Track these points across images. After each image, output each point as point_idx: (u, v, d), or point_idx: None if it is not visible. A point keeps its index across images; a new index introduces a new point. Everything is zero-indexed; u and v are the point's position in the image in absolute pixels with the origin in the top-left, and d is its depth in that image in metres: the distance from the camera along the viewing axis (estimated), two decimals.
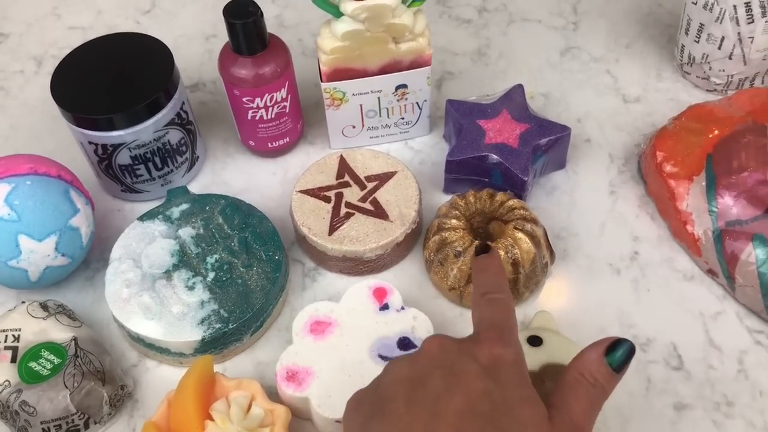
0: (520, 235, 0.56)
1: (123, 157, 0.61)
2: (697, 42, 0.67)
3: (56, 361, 0.52)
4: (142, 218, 0.60)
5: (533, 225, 0.57)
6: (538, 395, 0.38)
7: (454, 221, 0.58)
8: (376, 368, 0.51)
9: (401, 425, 0.35)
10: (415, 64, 0.62)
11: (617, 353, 0.39)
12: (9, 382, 0.51)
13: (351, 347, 0.52)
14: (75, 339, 0.53)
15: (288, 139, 0.66)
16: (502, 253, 0.55)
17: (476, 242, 0.42)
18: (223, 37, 0.71)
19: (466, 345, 0.38)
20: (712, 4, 0.64)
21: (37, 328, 0.53)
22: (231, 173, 0.68)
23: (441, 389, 0.36)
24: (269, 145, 0.66)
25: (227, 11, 0.58)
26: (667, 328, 0.56)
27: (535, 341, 0.53)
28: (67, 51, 0.63)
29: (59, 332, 0.54)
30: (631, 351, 0.39)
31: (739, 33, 0.64)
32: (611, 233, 0.62)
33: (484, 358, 0.37)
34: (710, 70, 0.68)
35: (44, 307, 0.55)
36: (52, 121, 0.72)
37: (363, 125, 0.66)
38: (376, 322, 0.53)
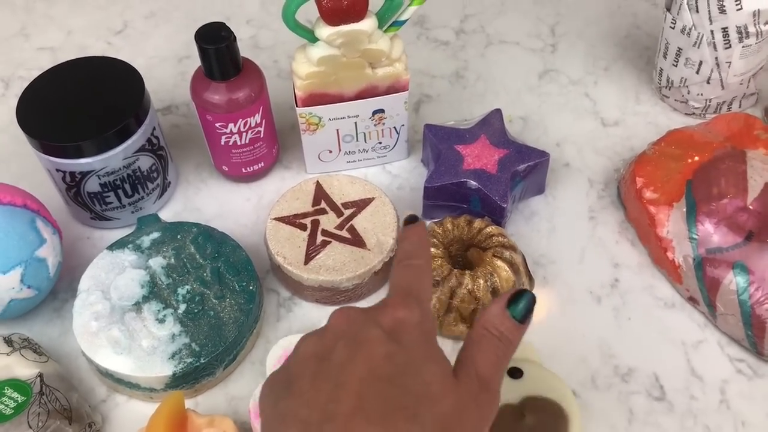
0: (499, 263, 0.55)
1: (92, 185, 0.59)
2: (675, 66, 0.67)
3: (20, 399, 0.50)
4: (111, 247, 0.58)
5: (512, 252, 0.56)
6: (443, 353, 0.38)
7: (432, 249, 0.56)
8: None
9: (306, 400, 0.35)
10: (393, 89, 0.61)
11: (519, 305, 0.39)
12: None
13: None
14: (41, 375, 0.51)
15: (263, 164, 0.65)
16: (481, 281, 0.54)
17: (406, 217, 0.42)
18: (196, 59, 0.69)
19: (371, 312, 0.38)
20: (690, 29, 0.63)
21: (1, 364, 0.51)
22: (204, 199, 0.66)
23: (344, 359, 0.36)
24: (243, 170, 0.65)
25: (199, 36, 0.56)
26: (648, 357, 0.55)
27: (515, 373, 0.52)
28: (36, 72, 0.61)
29: (24, 368, 0.52)
30: (532, 301, 0.39)
31: (716, 58, 0.64)
32: (591, 260, 0.61)
33: (387, 322, 0.37)
34: (688, 93, 0.68)
35: (8, 341, 0.53)
36: (19, 146, 0.69)
37: (340, 150, 0.65)
38: None
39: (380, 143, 0.66)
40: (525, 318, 0.39)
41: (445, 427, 0.34)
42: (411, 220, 0.43)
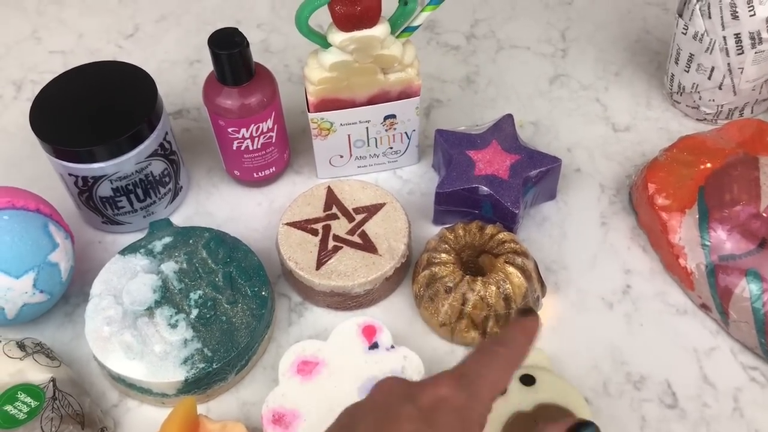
0: (511, 269, 0.55)
1: (104, 189, 0.59)
2: (687, 72, 0.67)
3: (33, 404, 0.50)
4: (123, 252, 0.58)
5: (524, 258, 0.56)
6: None
7: (444, 255, 0.56)
8: None
9: None
10: (404, 94, 0.61)
11: None
12: None
13: (339, 388, 0.51)
14: (53, 380, 0.51)
15: (274, 169, 0.65)
16: (493, 288, 0.54)
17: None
18: (207, 63, 0.69)
19: (414, 387, 0.36)
20: (702, 35, 0.63)
21: (14, 369, 0.51)
22: (215, 204, 0.66)
23: (369, 430, 0.34)
24: (255, 175, 0.65)
25: (212, 41, 0.56)
26: (660, 364, 0.55)
27: (528, 380, 0.52)
28: (47, 75, 0.61)
29: (37, 373, 0.52)
30: None
31: (729, 64, 0.64)
32: (603, 266, 0.61)
33: (426, 400, 0.35)
34: (700, 99, 0.68)
35: (21, 346, 0.53)
36: (31, 149, 0.70)
37: (351, 155, 0.65)
38: (365, 361, 0.52)
39: (391, 148, 0.66)
40: None
41: None
42: (525, 313, 0.39)
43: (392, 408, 0.35)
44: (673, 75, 0.69)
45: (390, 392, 0.36)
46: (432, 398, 0.35)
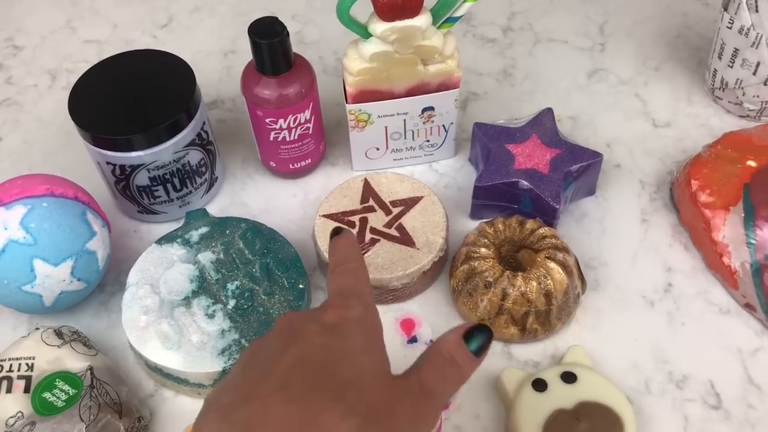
0: (552, 264, 0.54)
1: (141, 178, 0.59)
2: (731, 67, 0.66)
3: (71, 391, 0.50)
4: (160, 241, 0.58)
5: (565, 254, 0.55)
6: (385, 351, 0.37)
7: (483, 250, 0.56)
8: None
9: (230, 386, 0.35)
10: (443, 86, 0.60)
11: (475, 340, 0.39)
12: (22, 413, 0.49)
13: None
14: (91, 368, 0.51)
15: (310, 161, 0.65)
16: (534, 283, 0.53)
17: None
18: (242, 53, 0.69)
19: (312, 312, 0.38)
20: (749, 29, 0.62)
21: (52, 357, 0.51)
22: (250, 194, 0.66)
23: (277, 349, 0.36)
24: (290, 166, 0.64)
25: (252, 30, 0.56)
26: (703, 364, 0.54)
27: (569, 378, 0.51)
28: (82, 65, 0.61)
29: (74, 361, 0.52)
30: (488, 338, 0.39)
31: None
32: (643, 263, 0.60)
33: (329, 318, 0.37)
34: (744, 95, 0.67)
35: (59, 334, 0.53)
36: (66, 138, 0.70)
37: (387, 147, 0.65)
38: (404, 356, 0.52)
39: (428, 141, 0.65)
40: (479, 353, 0.39)
41: (373, 413, 0.34)
42: (336, 232, 0.43)
43: (298, 329, 0.37)
44: (715, 70, 0.68)
45: (290, 319, 0.38)
46: (334, 317, 0.37)
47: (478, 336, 0.39)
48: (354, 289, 0.39)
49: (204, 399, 0.37)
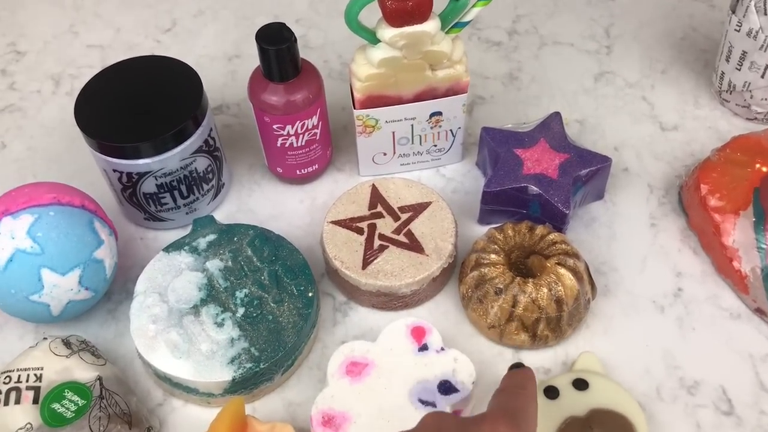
0: (563, 270, 0.54)
1: (148, 186, 0.58)
2: (739, 70, 0.65)
3: (80, 402, 0.49)
4: (167, 249, 0.58)
5: (575, 260, 0.55)
6: None
7: (493, 256, 0.55)
8: (417, 414, 0.48)
9: None
10: (451, 91, 0.60)
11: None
12: (31, 425, 0.48)
13: (389, 391, 0.50)
14: (100, 378, 0.51)
15: (317, 166, 0.64)
16: (545, 290, 0.53)
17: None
18: (246, 58, 0.68)
19: (467, 424, 0.37)
20: (757, 32, 0.62)
21: (60, 367, 0.51)
22: (257, 201, 0.65)
23: None
24: (297, 172, 0.64)
25: (260, 36, 0.56)
26: (715, 369, 0.54)
27: (581, 385, 0.51)
28: (85, 70, 0.61)
29: (83, 371, 0.51)
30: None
31: None
32: (653, 268, 0.60)
33: (485, 430, 0.36)
34: (751, 98, 0.66)
35: (67, 343, 0.53)
36: (71, 144, 0.69)
37: (394, 152, 0.64)
38: (415, 363, 0.51)
39: (435, 146, 0.64)
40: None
41: None
42: (516, 366, 0.44)
43: None
44: (723, 73, 0.67)
45: (440, 419, 0.37)
46: (490, 430, 0.36)
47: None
48: (519, 411, 0.38)
49: None
